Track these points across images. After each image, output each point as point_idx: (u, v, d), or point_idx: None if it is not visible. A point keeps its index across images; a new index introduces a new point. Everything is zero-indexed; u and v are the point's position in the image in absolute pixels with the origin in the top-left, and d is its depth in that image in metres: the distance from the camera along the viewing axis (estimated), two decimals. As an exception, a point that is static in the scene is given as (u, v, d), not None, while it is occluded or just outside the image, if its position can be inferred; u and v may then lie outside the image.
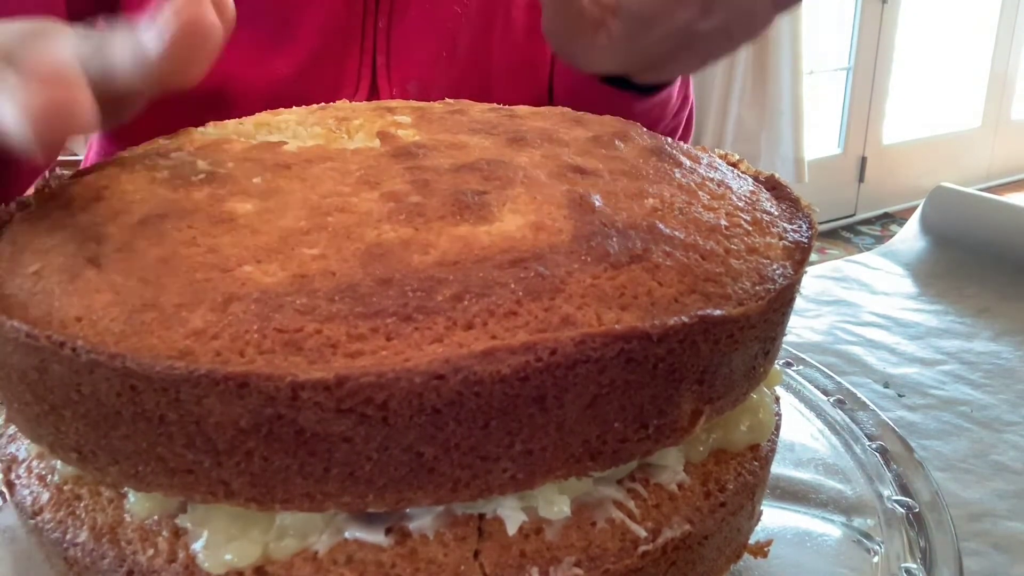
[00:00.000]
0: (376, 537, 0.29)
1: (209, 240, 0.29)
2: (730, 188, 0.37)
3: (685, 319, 0.28)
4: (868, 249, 0.95)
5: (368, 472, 0.27)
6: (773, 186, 0.41)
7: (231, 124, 0.41)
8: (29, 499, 0.34)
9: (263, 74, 0.64)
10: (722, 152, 0.44)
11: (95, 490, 0.32)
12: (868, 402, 0.51)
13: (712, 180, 0.37)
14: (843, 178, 3.30)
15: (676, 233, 0.32)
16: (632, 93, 0.64)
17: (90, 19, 0.46)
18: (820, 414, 0.50)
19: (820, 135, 3.17)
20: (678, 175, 0.36)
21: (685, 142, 0.76)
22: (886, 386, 0.61)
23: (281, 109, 0.44)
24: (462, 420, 0.26)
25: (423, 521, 0.30)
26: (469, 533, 0.30)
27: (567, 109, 0.45)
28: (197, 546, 0.29)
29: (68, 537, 0.31)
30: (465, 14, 0.69)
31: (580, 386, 0.27)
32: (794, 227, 0.36)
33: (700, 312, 0.29)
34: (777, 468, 0.44)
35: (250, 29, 0.60)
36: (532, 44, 0.73)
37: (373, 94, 0.69)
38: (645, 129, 0.42)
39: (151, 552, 0.30)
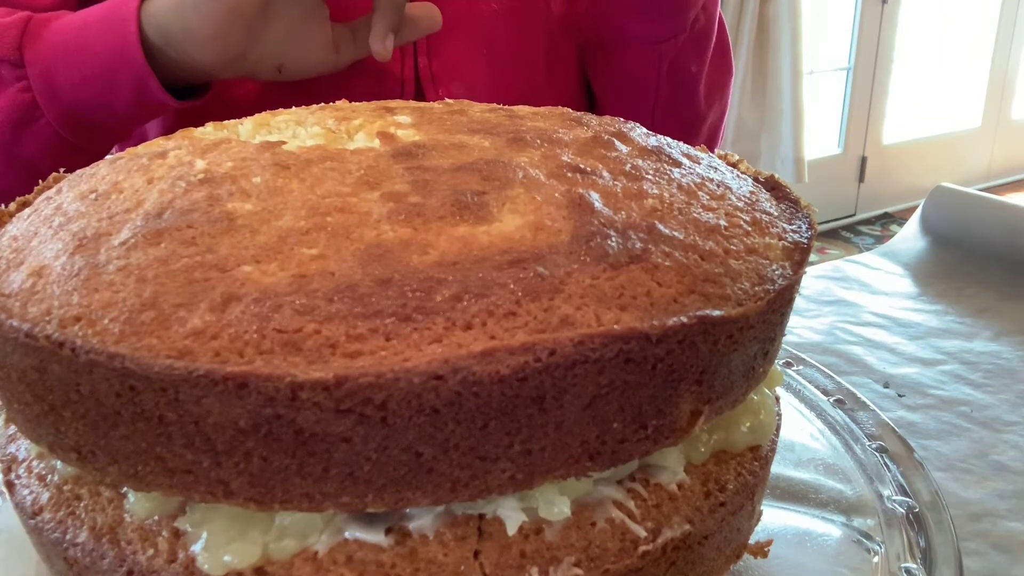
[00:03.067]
0: (376, 537, 0.29)
1: (208, 240, 0.29)
2: (730, 188, 0.37)
3: (684, 320, 0.28)
4: (868, 249, 0.95)
5: (367, 472, 0.27)
6: (773, 186, 0.41)
7: (231, 124, 0.41)
8: (29, 499, 0.34)
9: (304, 83, 0.62)
10: (722, 152, 0.44)
11: (95, 490, 0.32)
12: (868, 402, 0.51)
13: (712, 180, 0.37)
14: (843, 178, 3.30)
15: (675, 233, 0.32)
16: None
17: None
18: (820, 414, 0.50)
19: (820, 135, 3.17)
20: (677, 175, 0.36)
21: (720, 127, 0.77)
22: (886, 386, 0.61)
23: (280, 109, 0.44)
24: (461, 420, 0.26)
25: (423, 521, 0.30)
26: (469, 533, 0.30)
27: (567, 109, 0.45)
28: (197, 547, 0.29)
29: (68, 537, 0.31)
30: (502, 11, 0.70)
31: (579, 386, 0.27)
32: (794, 227, 0.36)
33: (699, 313, 0.29)
34: (777, 468, 0.44)
35: None
36: (568, 36, 0.73)
37: (419, 98, 0.69)
38: (645, 129, 0.42)
39: (151, 552, 0.30)
